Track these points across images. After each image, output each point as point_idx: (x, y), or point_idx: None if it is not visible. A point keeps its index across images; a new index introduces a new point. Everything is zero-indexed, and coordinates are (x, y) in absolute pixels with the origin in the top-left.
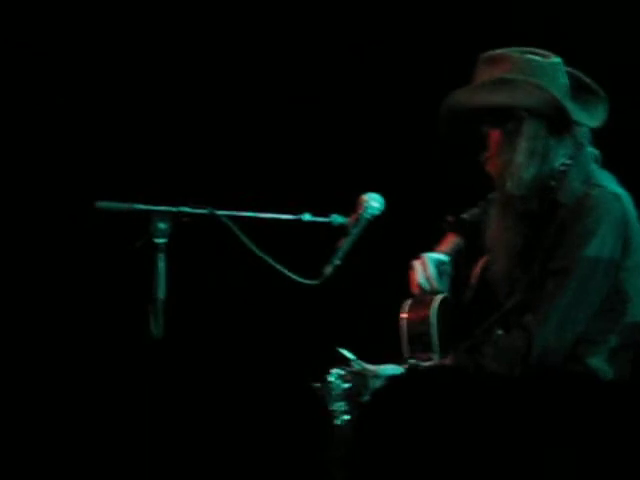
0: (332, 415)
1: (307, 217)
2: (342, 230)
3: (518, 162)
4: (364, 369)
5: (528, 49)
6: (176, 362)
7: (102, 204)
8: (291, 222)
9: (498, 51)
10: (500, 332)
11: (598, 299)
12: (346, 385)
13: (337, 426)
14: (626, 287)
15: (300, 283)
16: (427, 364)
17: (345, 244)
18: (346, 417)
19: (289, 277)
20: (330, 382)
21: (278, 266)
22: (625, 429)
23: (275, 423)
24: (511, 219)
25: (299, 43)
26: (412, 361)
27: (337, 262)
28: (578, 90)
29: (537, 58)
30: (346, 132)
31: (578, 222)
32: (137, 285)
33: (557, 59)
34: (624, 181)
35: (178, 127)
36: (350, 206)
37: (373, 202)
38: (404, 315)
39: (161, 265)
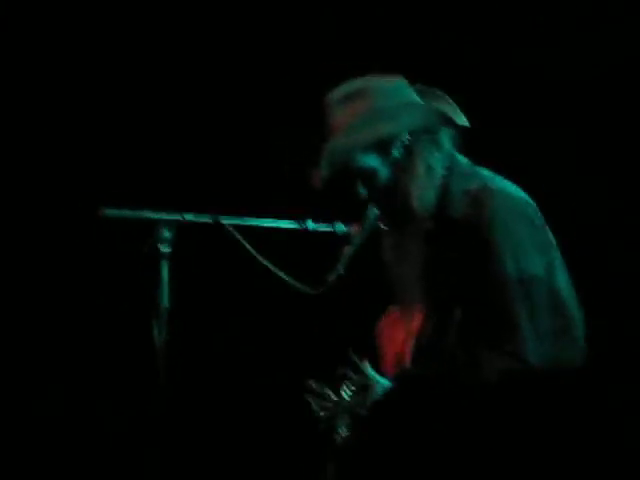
0: (331, 430)
1: (311, 225)
2: (345, 239)
3: (421, 182)
4: (372, 376)
5: (367, 77)
6: (180, 370)
7: (108, 211)
8: (295, 230)
9: (347, 88)
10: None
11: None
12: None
13: (336, 441)
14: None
15: (303, 292)
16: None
17: (348, 252)
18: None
19: (292, 285)
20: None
21: (281, 274)
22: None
23: (279, 431)
24: (414, 244)
25: (312, 49)
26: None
27: (340, 271)
28: (423, 94)
29: (391, 81)
30: None
31: (485, 234)
32: (141, 293)
33: (399, 78)
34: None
35: (183, 135)
36: (354, 215)
37: (376, 211)
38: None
39: (165, 273)
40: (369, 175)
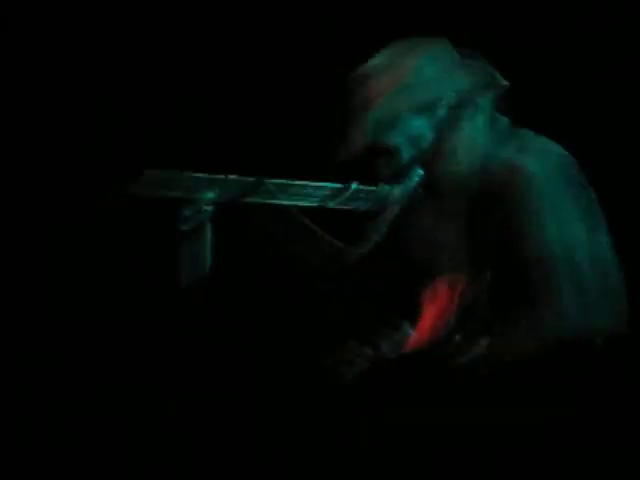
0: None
1: (354, 187)
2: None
3: (466, 144)
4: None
5: (409, 40)
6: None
7: (149, 173)
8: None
9: (390, 52)
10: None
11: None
12: None
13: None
14: None
15: (346, 251)
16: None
17: (391, 213)
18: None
19: (335, 245)
20: None
21: (325, 235)
22: None
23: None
24: (455, 208)
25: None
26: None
27: (384, 230)
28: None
29: (435, 43)
30: None
31: (524, 198)
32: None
33: (443, 40)
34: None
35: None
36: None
37: (420, 171)
38: None
39: (208, 235)
40: (416, 137)
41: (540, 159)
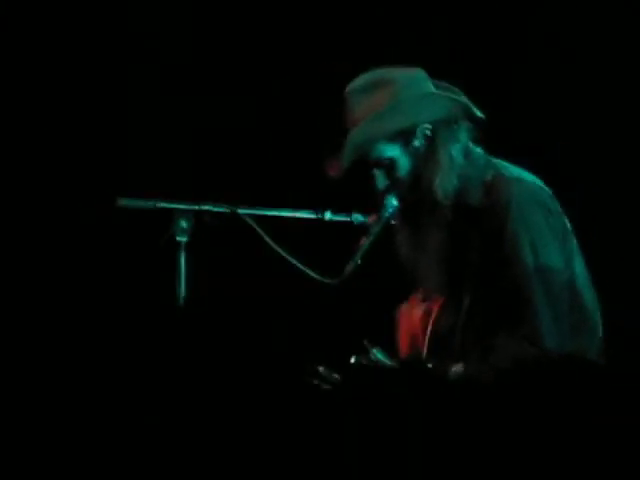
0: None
1: (328, 216)
2: (363, 229)
3: (443, 172)
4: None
5: (388, 68)
6: (195, 359)
7: (125, 201)
8: (312, 221)
9: (368, 78)
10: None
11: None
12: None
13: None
14: None
15: (320, 282)
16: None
17: (366, 243)
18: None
19: (309, 276)
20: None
21: (299, 265)
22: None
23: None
24: (432, 235)
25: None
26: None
27: (358, 261)
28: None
29: (412, 72)
30: None
31: (502, 223)
32: (158, 284)
33: (418, 69)
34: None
35: (199, 125)
36: (371, 205)
37: (394, 202)
38: None
39: (182, 263)
40: (390, 165)
41: (515, 188)
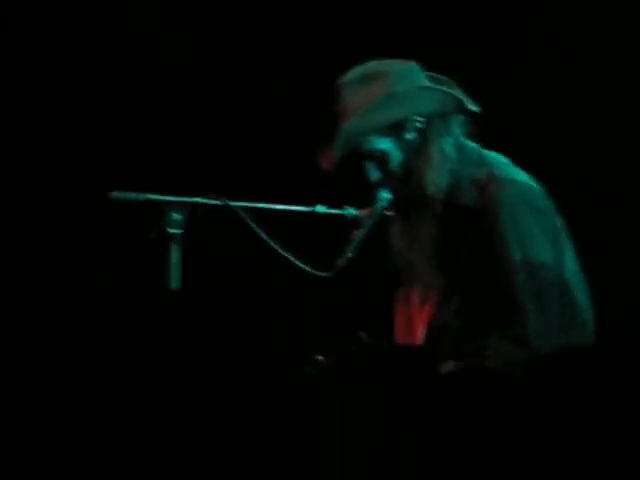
0: None
1: (321, 209)
2: (355, 222)
3: (434, 166)
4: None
5: (381, 60)
6: (189, 353)
7: (116, 194)
8: (305, 214)
9: (361, 70)
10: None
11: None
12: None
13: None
14: None
15: (313, 275)
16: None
17: (358, 236)
18: None
19: (302, 269)
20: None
21: (291, 258)
22: None
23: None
24: (424, 229)
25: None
26: None
27: (350, 254)
28: (434, 81)
29: (405, 65)
30: None
31: (492, 222)
32: (150, 276)
33: (412, 62)
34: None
35: (193, 118)
36: (364, 198)
37: (387, 195)
38: None
39: (175, 256)
40: (382, 158)
41: (507, 190)
